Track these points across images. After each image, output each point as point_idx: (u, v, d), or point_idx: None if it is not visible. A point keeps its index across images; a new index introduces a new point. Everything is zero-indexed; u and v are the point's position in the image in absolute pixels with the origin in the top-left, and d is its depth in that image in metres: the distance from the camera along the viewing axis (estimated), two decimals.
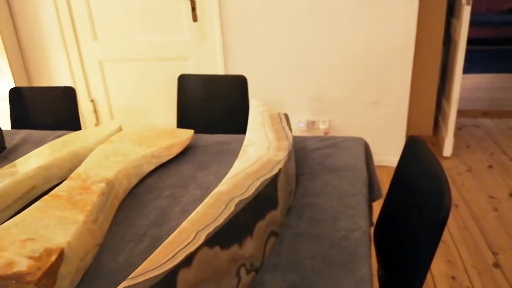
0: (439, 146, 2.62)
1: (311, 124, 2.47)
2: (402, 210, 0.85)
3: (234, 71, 2.44)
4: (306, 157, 1.03)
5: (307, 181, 0.91)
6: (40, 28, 2.63)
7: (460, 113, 3.01)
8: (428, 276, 1.56)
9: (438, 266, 1.61)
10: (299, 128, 2.48)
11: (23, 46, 2.71)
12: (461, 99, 2.65)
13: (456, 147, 2.59)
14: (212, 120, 1.49)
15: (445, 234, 1.81)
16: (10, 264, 0.57)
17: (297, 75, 2.37)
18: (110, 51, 2.61)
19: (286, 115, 1.02)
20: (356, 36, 2.20)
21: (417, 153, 0.81)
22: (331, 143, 1.09)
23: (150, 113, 2.71)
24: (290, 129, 0.96)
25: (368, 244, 0.69)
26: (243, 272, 0.60)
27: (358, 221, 0.75)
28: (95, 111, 2.79)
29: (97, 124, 2.84)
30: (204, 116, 1.50)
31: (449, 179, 2.24)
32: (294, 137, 1.06)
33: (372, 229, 0.95)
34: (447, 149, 2.47)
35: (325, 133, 2.46)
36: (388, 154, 2.40)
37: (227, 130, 1.25)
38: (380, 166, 2.33)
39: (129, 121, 2.75)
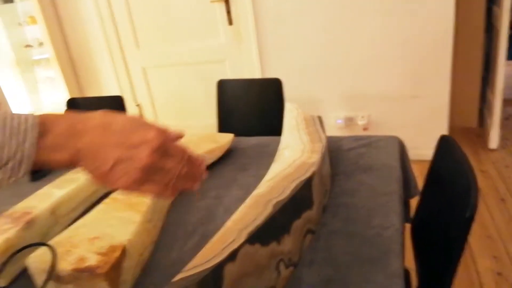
0: (485, 138, 2.53)
1: (349, 120, 2.48)
2: (435, 207, 0.88)
3: (270, 71, 2.50)
4: (341, 157, 1.07)
5: (342, 181, 0.95)
6: (88, 40, 2.82)
7: (507, 102, 2.88)
8: (473, 272, 1.55)
9: (483, 262, 1.59)
10: (336, 124, 2.50)
11: (73, 58, 2.92)
12: (507, 88, 2.54)
13: (503, 138, 2.50)
14: (250, 123, 1.56)
15: (491, 229, 1.77)
16: (82, 259, 0.67)
17: (333, 72, 2.39)
18: (152, 58, 2.76)
19: (319, 118, 1.06)
20: (391, 28, 2.18)
21: (448, 151, 0.83)
22: (365, 143, 1.13)
23: (191, 115, 2.83)
24: (324, 131, 1.01)
25: (400, 241, 0.73)
26: (282, 267, 0.67)
27: (391, 219, 0.79)
28: (141, 115, 2.96)
29: None
30: (243, 119, 1.58)
31: (495, 172, 2.18)
32: (329, 137, 1.10)
33: (408, 225, 0.98)
34: (493, 141, 2.40)
35: (364, 129, 2.47)
36: (429, 148, 2.36)
37: (265, 132, 1.32)
38: (421, 161, 2.31)
39: (172, 123, 2.89)
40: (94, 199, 1.01)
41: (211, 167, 1.11)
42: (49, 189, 0.97)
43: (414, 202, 1.08)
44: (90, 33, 2.79)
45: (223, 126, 1.62)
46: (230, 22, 2.46)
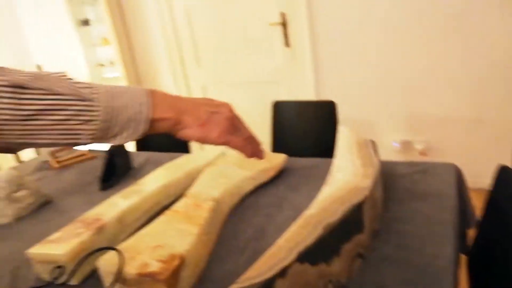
0: None
1: (406, 144, 2.42)
2: (494, 238, 0.84)
3: (325, 92, 2.52)
4: (395, 183, 1.06)
5: (395, 207, 0.95)
6: (154, 59, 3.03)
7: None
8: None
9: None
10: (392, 147, 2.45)
11: (140, 76, 3.15)
12: None
13: None
14: (303, 144, 1.59)
15: None
16: (145, 265, 0.73)
17: (390, 93, 2.36)
18: (212, 76, 2.89)
19: (373, 142, 1.07)
20: (454, 47, 2.13)
21: (509, 182, 0.80)
22: (421, 169, 1.11)
23: None
24: (377, 155, 1.02)
25: (453, 271, 0.72)
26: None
27: (445, 249, 0.77)
28: None
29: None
30: (296, 140, 1.61)
31: None
32: (383, 162, 1.10)
33: (465, 257, 0.94)
34: None
35: (421, 154, 2.39)
36: (491, 177, 2.23)
37: (318, 154, 1.34)
38: (482, 189, 2.18)
39: None
40: (156, 209, 1.09)
41: (264, 186, 1.16)
42: (117, 199, 1.06)
43: (472, 232, 1.04)
44: (156, 52, 3.00)
45: (277, 146, 1.66)
46: (287, 44, 2.53)
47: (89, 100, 0.48)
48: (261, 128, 2.76)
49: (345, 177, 0.91)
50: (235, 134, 0.61)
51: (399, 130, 2.41)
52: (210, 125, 0.58)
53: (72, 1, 3.03)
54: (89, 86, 0.50)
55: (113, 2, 2.92)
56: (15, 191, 1.22)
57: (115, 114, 0.49)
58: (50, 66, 3.19)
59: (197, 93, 2.98)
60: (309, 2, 2.34)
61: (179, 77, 2.98)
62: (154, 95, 0.54)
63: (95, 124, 0.48)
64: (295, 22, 2.44)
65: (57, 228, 0.93)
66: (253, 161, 1.23)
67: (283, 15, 2.46)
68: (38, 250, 0.84)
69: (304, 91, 2.59)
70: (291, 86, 2.64)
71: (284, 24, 2.48)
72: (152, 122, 0.53)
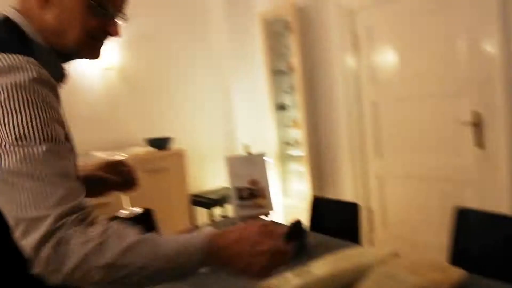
0: None
1: None
2: None
3: None
4: None
5: None
6: (335, 143, 3.24)
7: None
8: None
9: None
10: None
11: (321, 159, 3.39)
12: None
13: None
14: (491, 262, 1.43)
15: None
16: None
17: None
18: (391, 168, 2.89)
19: None
20: None
21: None
22: None
23: (423, 232, 2.72)
24: None
25: None
26: None
27: None
28: (370, 219, 3.07)
29: (370, 232, 3.07)
30: (482, 256, 1.46)
31: None
32: None
33: None
34: None
35: None
36: None
37: (507, 278, 1.19)
38: None
39: (403, 235, 2.86)
40: None
41: None
42: (289, 275, 1.19)
43: None
44: (338, 138, 3.21)
45: (457, 258, 1.53)
46: (478, 144, 2.36)
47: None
48: (442, 229, 2.56)
49: None
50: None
51: None
52: (249, 269, 0.73)
53: (274, 89, 3.61)
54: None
55: (307, 92, 3.33)
56: None
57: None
58: (253, 144, 3.74)
59: (373, 183, 3.01)
60: (508, 101, 2.18)
61: (357, 165, 3.08)
62: (210, 244, 0.70)
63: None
64: (491, 123, 2.28)
65: None
66: (424, 267, 1.19)
67: (476, 115, 2.34)
68: None
69: (497, 200, 2.30)
70: (480, 190, 2.40)
71: (476, 124, 2.34)
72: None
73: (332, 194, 3.33)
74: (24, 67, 0.67)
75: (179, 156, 3.32)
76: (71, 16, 0.78)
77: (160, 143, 3.30)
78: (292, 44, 3.32)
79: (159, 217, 2.20)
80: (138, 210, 0.88)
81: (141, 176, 3.08)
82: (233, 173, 1.90)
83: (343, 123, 3.15)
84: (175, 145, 3.47)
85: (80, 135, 3.29)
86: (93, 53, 0.87)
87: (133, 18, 3.12)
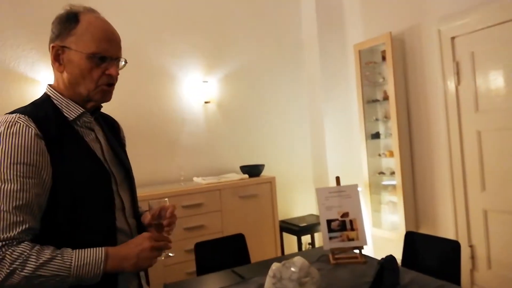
0: None
1: None
2: None
3: None
4: None
5: None
6: (433, 175, 3.07)
7: None
8: None
9: None
10: None
11: (416, 190, 3.23)
12: None
13: None
14: None
15: None
16: None
17: None
18: (495, 202, 2.65)
19: None
20: None
21: None
22: None
23: None
24: None
25: None
26: None
27: None
28: (472, 257, 2.82)
29: (472, 270, 2.83)
30: None
31: None
32: None
33: None
34: None
35: None
36: None
37: None
38: None
39: (504, 274, 2.59)
40: None
41: None
42: None
43: None
44: (437, 169, 3.04)
45: None
46: None
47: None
48: None
49: None
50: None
51: None
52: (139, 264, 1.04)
53: (367, 118, 3.56)
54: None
55: (402, 120, 3.24)
56: (303, 277, 1.54)
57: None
58: (344, 173, 3.71)
59: (475, 218, 2.77)
60: None
61: (457, 197, 2.88)
62: (108, 254, 0.99)
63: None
64: None
65: None
66: None
67: None
68: None
69: None
70: None
71: None
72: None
73: (428, 226, 3.13)
74: (7, 121, 0.96)
75: (270, 183, 3.45)
76: (80, 71, 1.04)
77: (252, 170, 3.46)
78: (387, 72, 3.29)
79: (249, 241, 2.31)
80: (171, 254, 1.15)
81: (235, 202, 3.30)
82: (324, 205, 1.94)
83: (443, 152, 2.98)
84: (266, 173, 3.61)
85: (183, 162, 3.63)
86: (105, 97, 1.10)
87: (231, 56, 3.42)
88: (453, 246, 1.78)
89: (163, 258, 1.12)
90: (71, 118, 1.06)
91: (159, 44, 3.38)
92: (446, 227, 2.98)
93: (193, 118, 3.54)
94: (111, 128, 1.26)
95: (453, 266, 1.73)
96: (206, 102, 3.57)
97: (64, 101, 1.06)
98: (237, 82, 3.76)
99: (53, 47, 1.05)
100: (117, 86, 1.10)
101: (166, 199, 1.18)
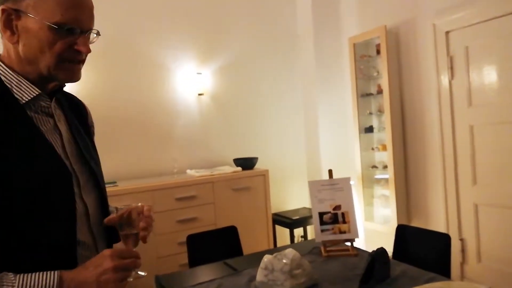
0: None
1: None
2: None
3: None
4: None
5: None
6: (425, 168, 3.09)
7: None
8: None
9: None
10: None
11: (408, 183, 3.25)
12: None
13: None
14: None
15: None
16: None
17: None
18: (487, 196, 2.67)
19: None
20: None
21: None
22: None
23: None
24: None
25: None
26: None
27: None
28: (463, 250, 2.85)
29: (462, 263, 2.86)
30: None
31: None
32: None
33: None
34: None
35: None
36: None
37: None
38: None
39: (494, 267, 2.62)
40: None
41: None
42: None
43: None
44: (429, 163, 3.06)
45: None
46: None
47: None
48: None
49: None
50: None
51: None
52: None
53: (360, 111, 3.56)
54: None
55: (396, 113, 3.24)
56: (295, 269, 1.54)
57: None
58: (336, 166, 3.72)
59: (466, 212, 2.80)
60: None
61: (448, 191, 2.90)
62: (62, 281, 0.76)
63: None
64: None
65: None
66: None
67: None
68: None
69: None
70: None
71: None
72: None
73: (420, 219, 3.16)
74: None
75: (263, 176, 3.45)
76: (39, 44, 0.81)
77: (246, 163, 3.46)
78: (381, 66, 3.29)
79: (242, 233, 2.31)
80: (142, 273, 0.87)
81: (228, 194, 3.29)
82: (316, 198, 1.94)
83: (435, 146, 3.00)
84: (259, 166, 3.61)
85: (177, 154, 3.60)
86: (71, 76, 0.87)
87: (225, 48, 3.38)
88: (444, 239, 1.79)
89: (131, 279, 0.85)
90: (23, 101, 0.84)
91: (153, 36, 3.35)
92: (437, 221, 3.01)
93: (187, 110, 3.52)
94: (77, 113, 1.02)
95: (443, 259, 1.75)
96: (200, 94, 3.55)
97: (15, 79, 0.84)
98: (231, 74, 3.73)
99: (3, 10, 0.81)
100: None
101: (139, 203, 0.96)
